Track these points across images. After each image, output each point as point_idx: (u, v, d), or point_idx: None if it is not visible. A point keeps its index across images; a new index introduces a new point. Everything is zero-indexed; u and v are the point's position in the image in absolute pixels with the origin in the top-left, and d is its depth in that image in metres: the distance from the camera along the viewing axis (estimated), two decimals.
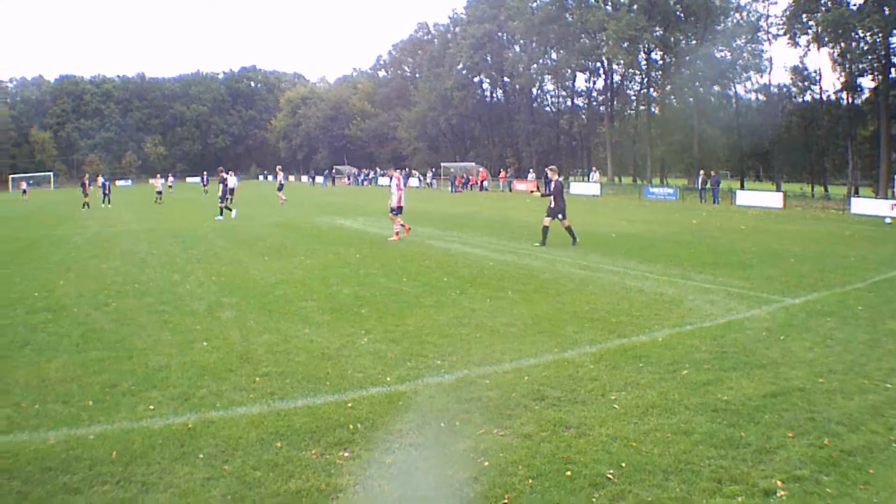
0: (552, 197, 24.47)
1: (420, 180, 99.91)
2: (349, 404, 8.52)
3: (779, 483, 6.46)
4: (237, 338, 11.83)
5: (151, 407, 8.59)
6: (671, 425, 7.79)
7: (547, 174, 26.71)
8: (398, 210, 26.24)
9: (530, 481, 6.53)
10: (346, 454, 7.11)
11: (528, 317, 13.23)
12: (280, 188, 55.33)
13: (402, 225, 26.32)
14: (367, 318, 13.15)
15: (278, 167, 64.61)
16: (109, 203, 57.46)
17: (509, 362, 10.26)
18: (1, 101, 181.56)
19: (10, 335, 12.58)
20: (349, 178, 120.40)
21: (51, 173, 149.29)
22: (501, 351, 10.85)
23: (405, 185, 22.69)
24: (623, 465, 6.82)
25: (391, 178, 27.95)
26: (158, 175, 68.46)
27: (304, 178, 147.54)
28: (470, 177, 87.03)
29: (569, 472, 6.67)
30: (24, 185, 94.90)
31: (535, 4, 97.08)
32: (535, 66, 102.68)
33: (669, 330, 12.23)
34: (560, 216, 24.42)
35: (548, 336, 11.78)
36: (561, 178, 25.90)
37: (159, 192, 61.59)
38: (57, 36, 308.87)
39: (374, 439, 7.45)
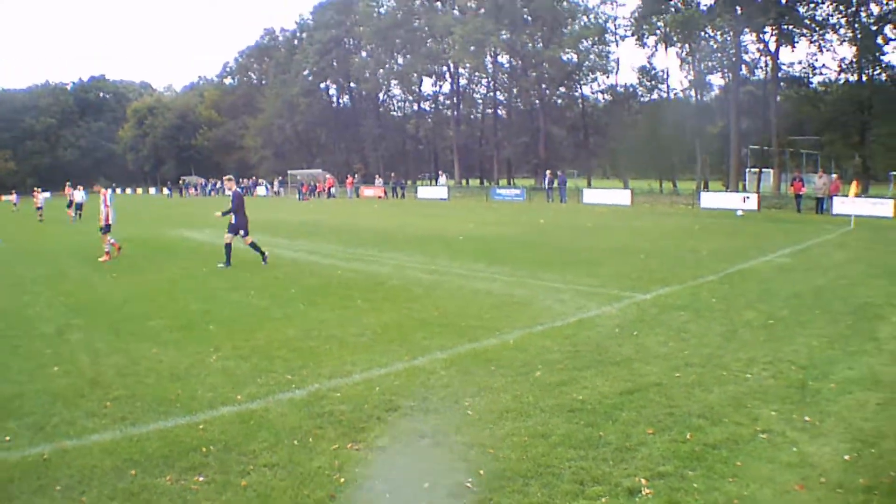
0: (232, 213, 22.79)
1: (267, 189, 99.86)
2: (201, 426, 8.42)
3: (643, 481, 6.60)
4: (86, 361, 11.55)
5: (7, 438, 8.37)
6: (528, 428, 7.89)
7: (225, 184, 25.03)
8: (107, 228, 25.60)
9: (387, 495, 6.57)
10: (201, 479, 7.02)
11: (378, 325, 13.27)
12: (69, 205, 53.72)
13: (111, 244, 25.72)
14: (215, 335, 13.00)
15: (67, 182, 63.95)
16: None
17: (360, 373, 10.28)
18: None
19: None
20: (196, 189, 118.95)
21: None
22: (352, 362, 10.85)
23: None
24: (481, 472, 6.88)
25: (100, 195, 26.85)
26: (37, 189, 64.77)
27: (153, 190, 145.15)
28: (317, 184, 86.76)
29: (426, 484, 6.71)
30: None
31: (382, 10, 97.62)
32: (381, 70, 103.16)
33: (520, 331, 12.42)
34: (242, 233, 22.88)
35: (398, 344, 11.83)
36: (240, 189, 25.13)
37: (39, 208, 58.02)
38: None
39: (227, 461, 7.38)
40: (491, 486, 6.59)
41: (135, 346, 12.32)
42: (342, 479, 6.86)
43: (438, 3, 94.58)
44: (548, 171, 65.46)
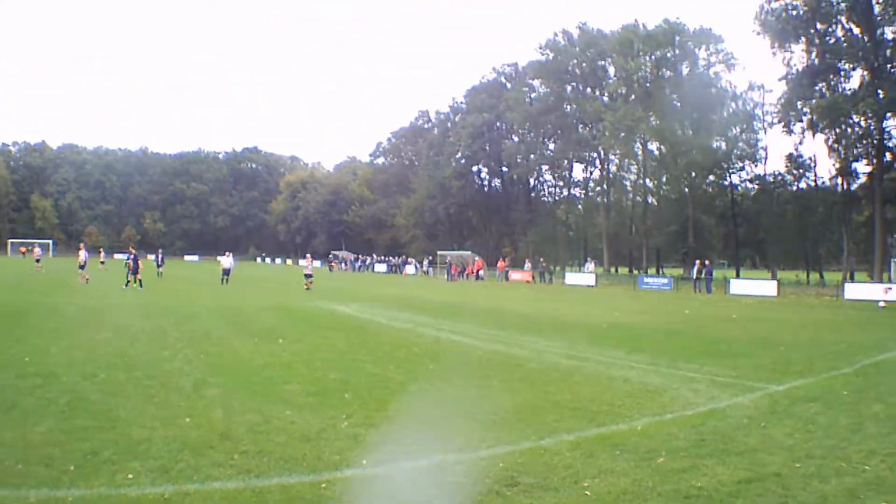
0: None
1: (416, 268, 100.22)
2: (323, 485, 8.52)
3: None
4: (220, 416, 11.84)
5: (130, 476, 8.65)
6: None
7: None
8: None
9: None
10: None
11: (511, 405, 13.14)
12: (82, 266, 53.64)
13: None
14: (349, 403, 13.08)
15: (80, 244, 62.78)
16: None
17: (486, 449, 10.21)
18: None
19: None
20: (346, 264, 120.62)
21: (50, 241, 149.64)
22: (480, 438, 10.78)
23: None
24: None
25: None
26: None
27: (302, 262, 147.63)
28: (466, 266, 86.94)
29: None
30: (38, 251, 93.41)
31: (533, 95, 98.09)
32: (532, 155, 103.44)
33: (649, 418, 12.22)
34: None
35: (527, 424, 11.71)
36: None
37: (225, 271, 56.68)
38: (61, 103, 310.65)
39: None
40: None
41: (269, 407, 12.54)
42: None
43: (588, 90, 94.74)
44: (697, 261, 64.55)
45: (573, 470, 9.26)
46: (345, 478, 8.86)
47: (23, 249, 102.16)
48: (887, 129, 66.71)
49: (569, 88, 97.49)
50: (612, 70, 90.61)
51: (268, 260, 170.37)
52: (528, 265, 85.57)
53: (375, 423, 11.54)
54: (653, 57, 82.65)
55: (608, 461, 9.64)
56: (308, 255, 62.73)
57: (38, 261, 78.69)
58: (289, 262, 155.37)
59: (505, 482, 8.74)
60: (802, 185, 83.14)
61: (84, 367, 16.14)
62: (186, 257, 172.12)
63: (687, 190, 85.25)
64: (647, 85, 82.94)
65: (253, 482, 8.57)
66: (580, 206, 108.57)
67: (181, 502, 7.86)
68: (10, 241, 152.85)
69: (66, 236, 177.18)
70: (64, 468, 8.90)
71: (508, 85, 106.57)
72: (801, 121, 72.57)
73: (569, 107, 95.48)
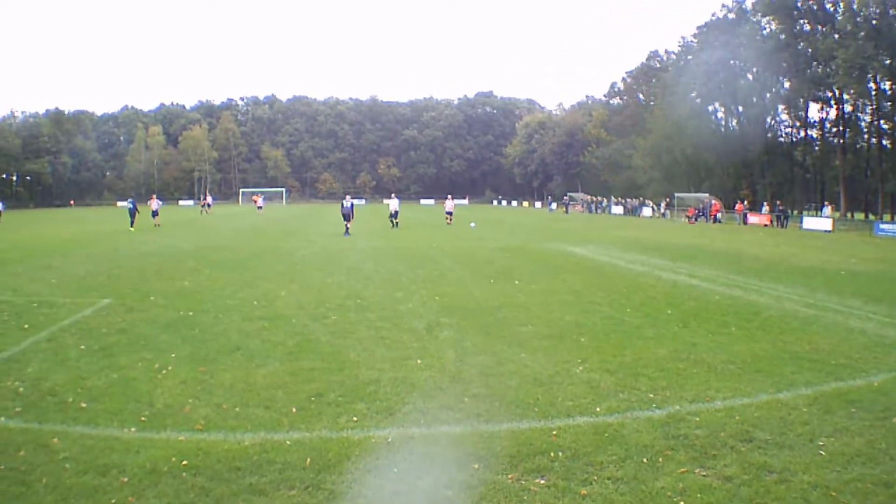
0: None
1: (653, 210, 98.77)
2: (554, 432, 8.47)
3: None
4: (451, 357, 12.02)
5: (355, 418, 8.89)
6: (873, 476, 7.43)
7: None
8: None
9: None
10: (542, 481, 7.10)
11: (748, 354, 12.79)
12: (154, 214, 59.18)
13: None
14: (584, 347, 13.01)
15: (153, 195, 69.69)
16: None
17: (722, 400, 9.97)
18: None
19: (222, 340, 13.38)
20: (582, 206, 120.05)
21: (283, 189, 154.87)
22: (716, 388, 10.55)
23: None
24: None
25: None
26: (393, 195, 68.14)
27: (538, 204, 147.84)
28: (704, 207, 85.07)
29: None
30: (259, 200, 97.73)
31: (765, 31, 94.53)
32: (767, 95, 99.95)
33: (886, 374, 11.64)
34: None
35: (765, 375, 11.37)
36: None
37: (393, 214, 57.58)
38: (290, 57, 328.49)
39: (573, 469, 7.41)
40: None
41: (502, 349, 12.64)
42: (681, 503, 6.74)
43: (819, 27, 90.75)
44: None
45: (809, 427, 8.91)
46: (576, 425, 8.77)
47: (255, 198, 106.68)
48: None
49: (800, 26, 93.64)
50: (841, 6, 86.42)
51: (503, 203, 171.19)
52: (765, 208, 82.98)
53: (610, 369, 11.44)
54: None
55: (844, 419, 9.24)
56: (449, 195, 67.41)
57: (259, 208, 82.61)
58: (525, 203, 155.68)
59: (740, 437, 8.50)
60: None
61: (315, 309, 16.78)
62: (422, 201, 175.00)
63: None
64: (874, 23, 78.70)
65: (482, 426, 8.65)
66: (817, 148, 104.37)
67: (404, 446, 7.99)
68: (241, 190, 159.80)
69: (300, 184, 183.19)
70: (285, 410, 9.25)
71: (739, 22, 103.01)
72: None
73: (801, 44, 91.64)
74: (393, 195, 66.57)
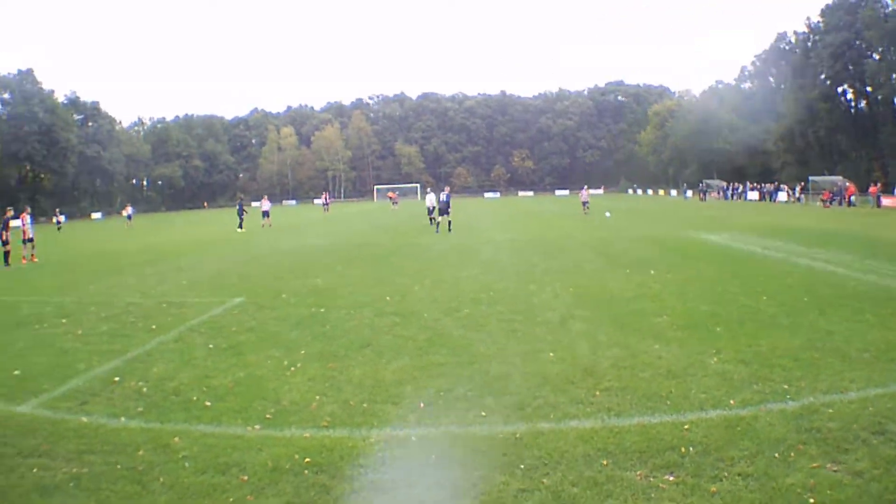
0: None
1: (788, 195, 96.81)
2: (685, 426, 8.21)
3: None
4: (584, 350, 11.79)
5: (483, 413, 8.74)
6: None
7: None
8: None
9: None
10: (671, 478, 6.86)
11: (883, 342, 12.17)
12: (265, 215, 59.34)
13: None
14: (719, 337, 12.66)
15: (265, 196, 70.10)
16: None
17: (856, 391, 9.48)
18: None
19: (353, 336, 13.41)
20: (718, 192, 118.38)
21: (417, 185, 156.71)
22: (850, 378, 10.03)
23: None
24: None
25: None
26: (429, 189, 66.13)
27: (673, 192, 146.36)
28: (837, 191, 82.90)
29: None
30: (394, 196, 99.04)
31: (889, 10, 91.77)
32: (894, 74, 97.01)
33: None
34: None
35: None
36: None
37: (430, 209, 51.06)
38: (415, 57, 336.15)
39: (702, 465, 7.14)
40: None
41: (636, 341, 12.37)
42: (811, 501, 6.40)
43: None
44: None
45: None
46: (709, 419, 8.47)
47: (390, 195, 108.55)
48: None
49: None
50: None
51: (639, 191, 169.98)
52: None
53: (745, 360, 11.05)
54: None
55: None
56: (585, 185, 63.79)
57: (394, 203, 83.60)
58: (661, 192, 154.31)
59: (872, 429, 8.05)
60: None
61: (447, 304, 16.69)
62: (557, 192, 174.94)
63: None
64: None
65: (612, 421, 8.40)
66: None
67: (533, 442, 7.78)
68: (375, 186, 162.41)
69: (435, 179, 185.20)
70: (412, 406, 9.15)
71: (861, 2, 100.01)
72: None
73: None
74: (429, 189, 59.87)
